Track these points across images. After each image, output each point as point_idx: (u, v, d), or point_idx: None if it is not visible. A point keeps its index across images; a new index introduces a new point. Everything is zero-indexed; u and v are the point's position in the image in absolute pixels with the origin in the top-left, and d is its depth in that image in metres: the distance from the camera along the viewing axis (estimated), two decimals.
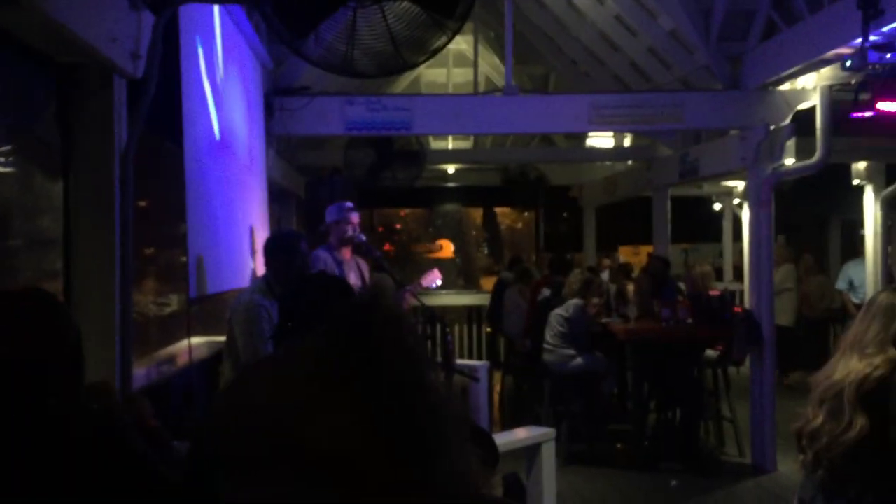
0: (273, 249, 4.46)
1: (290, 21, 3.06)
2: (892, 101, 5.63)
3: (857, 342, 2.75)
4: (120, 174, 3.46)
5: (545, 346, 7.59)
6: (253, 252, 5.84)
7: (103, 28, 3.20)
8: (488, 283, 12.58)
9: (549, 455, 4.51)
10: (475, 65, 9.15)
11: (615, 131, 10.51)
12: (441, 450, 0.87)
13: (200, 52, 4.53)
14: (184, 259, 4.28)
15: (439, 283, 5.88)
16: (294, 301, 2.50)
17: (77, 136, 3.45)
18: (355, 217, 5.48)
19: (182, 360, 4.41)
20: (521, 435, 4.60)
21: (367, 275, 5.59)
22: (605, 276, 10.91)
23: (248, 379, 0.92)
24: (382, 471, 0.83)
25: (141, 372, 3.77)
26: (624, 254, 15.29)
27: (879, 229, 9.67)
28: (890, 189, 9.61)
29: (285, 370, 0.89)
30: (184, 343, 4.39)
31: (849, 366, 2.74)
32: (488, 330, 11.31)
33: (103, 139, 3.43)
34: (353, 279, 5.36)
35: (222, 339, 5.00)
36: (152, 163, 4.03)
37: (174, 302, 4.57)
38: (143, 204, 3.97)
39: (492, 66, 11.77)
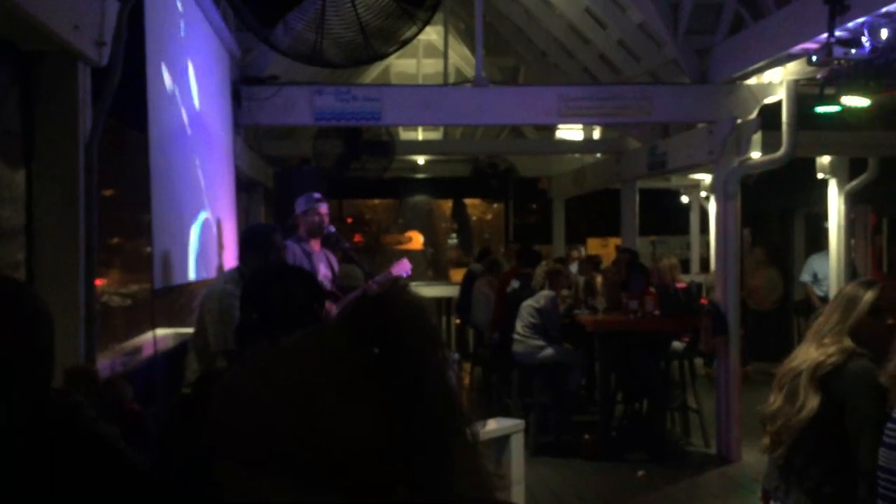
0: (247, 242, 4.47)
1: (258, 10, 3.03)
2: (856, 95, 5.71)
3: (818, 332, 2.86)
4: (84, 163, 3.41)
5: (515, 336, 7.62)
6: (220, 243, 5.79)
7: (67, 15, 3.14)
8: (458, 274, 12.58)
9: (518, 446, 4.53)
10: (445, 56, 9.12)
11: (584, 124, 10.53)
12: (456, 448, 0.85)
13: (166, 39, 4.46)
14: (148, 249, 4.22)
15: (409, 272, 5.87)
16: (259, 292, 2.46)
17: (40, 124, 3.39)
18: (324, 208, 5.44)
19: (147, 352, 4.36)
20: (491, 426, 4.61)
21: (336, 266, 5.57)
22: (573, 268, 10.97)
23: (255, 374, 0.86)
24: (395, 470, 0.82)
25: (105, 363, 3.72)
26: (592, 246, 15.36)
27: (843, 223, 9.81)
28: (853, 183, 9.75)
29: (297, 369, 0.85)
30: (148, 334, 4.34)
31: (808, 353, 2.85)
32: (457, 321, 11.33)
33: (67, 127, 3.38)
34: (322, 270, 5.33)
35: (188, 330, 4.95)
36: (117, 151, 3.97)
37: (139, 292, 4.52)
38: (107, 193, 3.91)
39: (462, 58, 11.75)
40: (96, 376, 3.13)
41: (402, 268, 5.74)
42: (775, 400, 2.90)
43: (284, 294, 2.38)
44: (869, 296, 2.83)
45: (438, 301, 12.25)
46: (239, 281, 4.21)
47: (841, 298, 2.88)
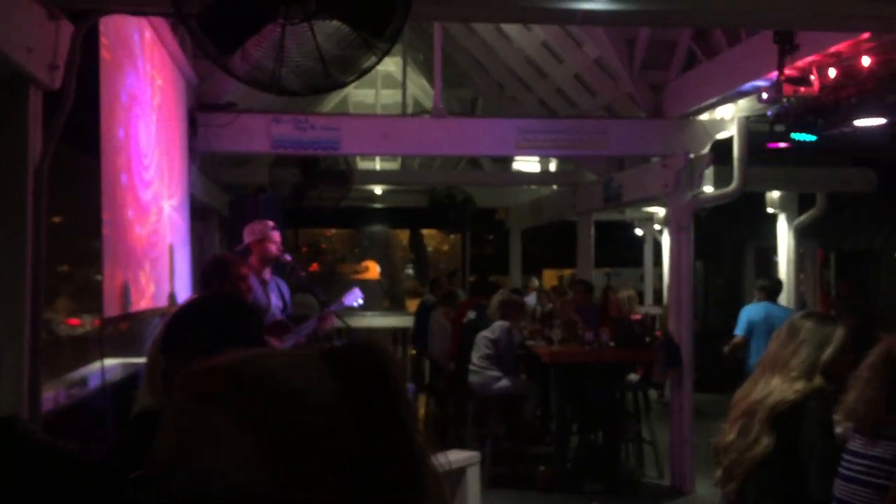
0: (211, 272, 4.42)
1: (216, 36, 2.99)
2: (805, 132, 5.85)
3: (782, 364, 2.80)
4: (33, 187, 3.33)
5: (471, 367, 7.59)
6: (171, 271, 5.69)
7: (19, 37, 3.08)
8: (414, 304, 12.54)
9: (474, 479, 4.50)
10: (403, 86, 9.16)
11: (541, 156, 10.65)
12: (428, 472, 0.87)
13: (121, 64, 4.41)
14: (98, 277, 4.13)
15: (361, 301, 5.82)
16: (197, 322, 2.39)
17: None
18: (277, 235, 5.38)
19: (94, 382, 4.25)
20: (447, 459, 4.57)
21: (287, 295, 5.50)
22: (531, 298, 11.00)
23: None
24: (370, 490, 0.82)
25: (50, 394, 3.61)
26: (548, 277, 15.46)
27: (792, 256, 10.00)
28: (802, 218, 9.96)
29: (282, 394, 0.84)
30: (96, 364, 4.23)
31: (769, 385, 2.80)
32: (413, 352, 11.27)
33: (16, 151, 3.30)
34: (274, 300, 5.26)
35: (139, 360, 4.84)
36: (68, 176, 3.89)
37: (87, 321, 4.41)
38: (57, 219, 3.82)
39: (420, 88, 11.81)
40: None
41: (354, 297, 5.69)
42: (729, 432, 2.87)
43: (220, 325, 2.32)
44: (840, 333, 2.79)
45: (394, 331, 12.19)
46: None
47: (807, 333, 2.80)
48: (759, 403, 2.79)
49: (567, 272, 13.83)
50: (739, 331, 7.72)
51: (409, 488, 0.86)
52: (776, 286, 8.05)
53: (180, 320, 2.42)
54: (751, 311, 7.79)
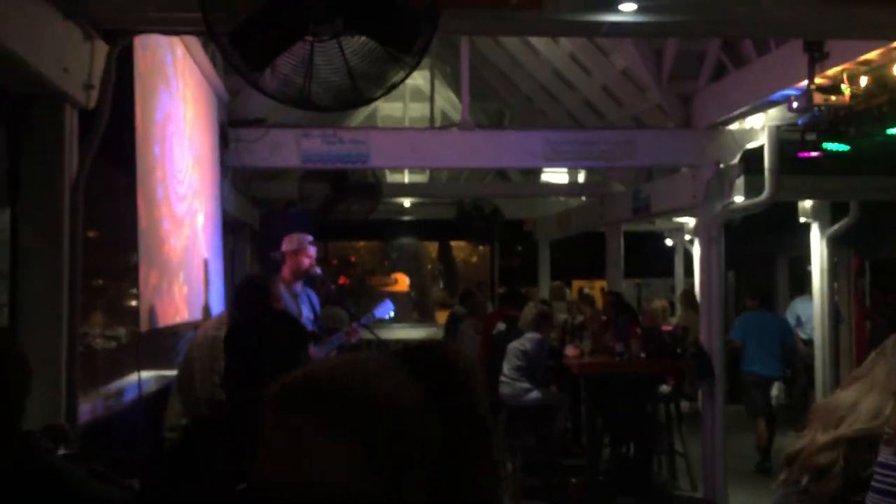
0: (245, 290, 4.48)
1: (246, 53, 3.05)
2: (836, 141, 5.80)
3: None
4: (70, 204, 3.40)
5: (502, 378, 7.58)
6: (206, 284, 5.77)
7: (56, 58, 3.16)
8: (443, 316, 12.56)
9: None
10: (431, 100, 9.22)
11: (569, 167, 10.63)
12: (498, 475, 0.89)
13: (155, 82, 4.49)
14: (134, 291, 4.20)
15: (392, 313, 5.86)
16: (245, 341, 2.46)
17: (26, 165, 3.39)
18: (313, 251, 5.44)
19: (130, 395, 4.32)
20: None
21: (317, 306, 5.55)
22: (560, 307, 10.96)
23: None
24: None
25: (87, 407, 3.67)
26: (577, 288, 15.37)
27: (825, 266, 9.88)
28: (835, 227, 9.84)
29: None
30: (133, 376, 4.30)
31: (872, 403, 2.58)
32: None
33: (53, 169, 3.38)
34: (305, 311, 5.32)
35: (172, 372, 4.91)
36: (104, 193, 3.97)
37: (123, 335, 4.49)
38: (93, 235, 3.90)
39: (448, 102, 11.87)
40: (68, 433, 3.09)
41: (385, 309, 5.73)
42: (827, 452, 2.67)
43: (270, 342, 2.38)
44: None
45: None
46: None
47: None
48: (851, 420, 2.63)
49: (597, 283, 13.77)
50: (736, 336, 8.44)
51: (490, 485, 0.87)
52: (767, 296, 8.62)
53: (240, 335, 2.50)
54: (746, 319, 8.47)
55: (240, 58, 3.07)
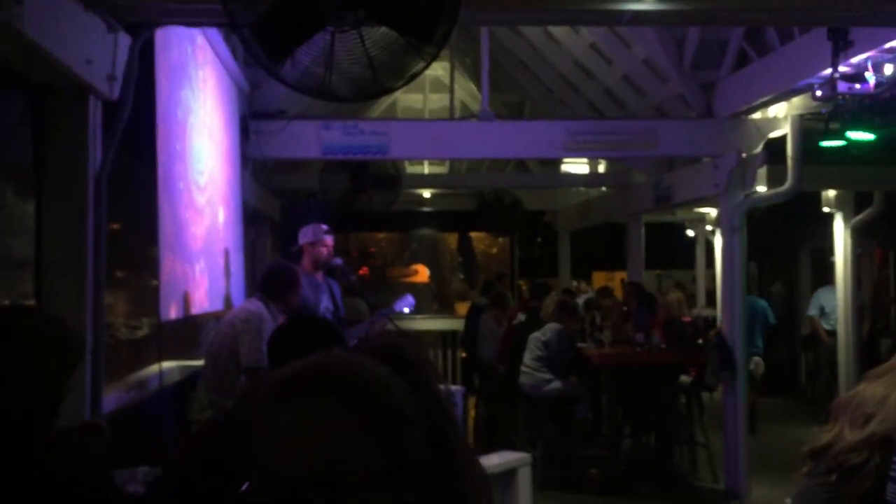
0: (273, 279, 4.61)
1: (267, 44, 3.06)
2: (861, 129, 5.73)
3: None
4: (94, 196, 3.43)
5: (523, 368, 7.59)
6: (227, 275, 5.80)
7: (80, 49, 3.18)
8: (463, 308, 12.56)
9: (525, 480, 4.50)
10: (451, 91, 9.21)
11: (590, 157, 10.59)
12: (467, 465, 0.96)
13: (177, 74, 4.52)
14: (155, 282, 4.23)
15: (412, 307, 5.88)
16: (288, 342, 2.51)
17: (50, 156, 3.42)
18: (330, 240, 5.46)
19: (152, 384, 4.36)
20: (497, 460, 4.58)
21: (338, 296, 5.57)
22: (580, 300, 10.94)
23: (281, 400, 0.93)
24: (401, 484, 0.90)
25: (111, 396, 3.71)
26: (598, 280, 15.32)
27: (849, 257, 9.78)
28: (859, 217, 9.74)
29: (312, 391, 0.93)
30: (154, 367, 4.33)
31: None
32: (463, 355, 11.28)
33: (77, 160, 3.41)
34: (324, 302, 5.34)
35: (194, 363, 4.95)
36: (126, 184, 4.00)
37: (145, 325, 4.53)
38: (115, 226, 3.93)
39: (467, 93, 11.84)
40: (103, 429, 3.12)
41: (405, 302, 5.74)
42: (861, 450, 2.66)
43: (303, 347, 2.40)
44: None
45: (444, 334, 12.22)
46: (265, 309, 4.40)
47: None
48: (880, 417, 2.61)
49: (617, 275, 13.71)
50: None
51: (465, 443, 0.99)
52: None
53: (282, 338, 2.58)
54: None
55: (261, 49, 3.08)
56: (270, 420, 0.91)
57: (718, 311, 8.33)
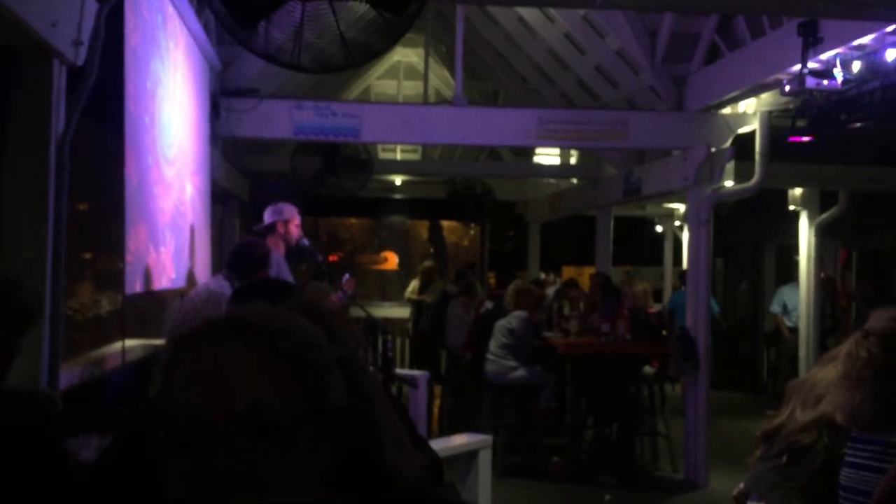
0: (242, 255, 4.53)
1: (237, 13, 3.03)
2: (828, 127, 5.80)
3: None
4: (56, 162, 3.37)
5: (488, 356, 7.61)
6: (192, 251, 5.75)
7: (44, 11, 3.13)
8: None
9: (486, 462, 4.51)
10: (425, 77, 9.18)
11: (561, 147, 10.63)
12: (381, 415, 1.03)
13: (145, 44, 4.45)
14: (120, 255, 4.18)
15: (352, 286, 5.85)
16: (244, 304, 2.49)
17: (11, 121, 3.35)
18: (298, 220, 5.43)
19: (114, 361, 4.30)
20: (459, 441, 4.59)
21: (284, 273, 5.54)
22: (549, 291, 10.98)
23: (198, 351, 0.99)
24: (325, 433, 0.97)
25: (69, 372, 3.65)
26: (567, 274, 15.37)
27: (813, 255, 9.92)
28: (824, 216, 9.87)
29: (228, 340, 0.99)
30: (117, 343, 4.28)
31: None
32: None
33: (39, 125, 3.35)
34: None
35: (158, 341, 4.90)
36: (92, 152, 3.94)
37: (108, 299, 4.47)
38: (80, 197, 3.87)
39: (442, 80, 11.82)
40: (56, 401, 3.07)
41: (349, 283, 5.72)
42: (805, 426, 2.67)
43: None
44: None
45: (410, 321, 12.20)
46: (228, 287, 4.30)
47: None
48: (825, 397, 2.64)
49: (586, 270, 13.77)
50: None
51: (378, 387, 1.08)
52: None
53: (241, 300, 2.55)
54: (676, 298, 9.86)
55: (230, 17, 3.05)
56: (197, 364, 0.96)
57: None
